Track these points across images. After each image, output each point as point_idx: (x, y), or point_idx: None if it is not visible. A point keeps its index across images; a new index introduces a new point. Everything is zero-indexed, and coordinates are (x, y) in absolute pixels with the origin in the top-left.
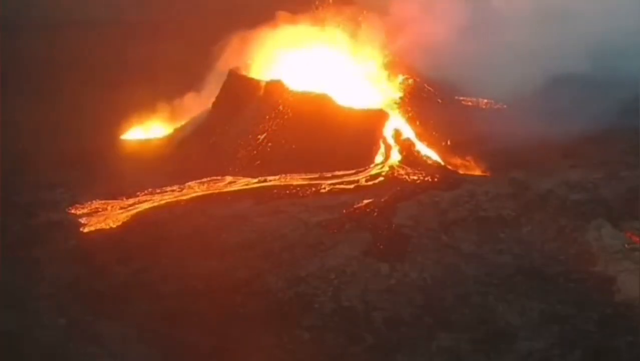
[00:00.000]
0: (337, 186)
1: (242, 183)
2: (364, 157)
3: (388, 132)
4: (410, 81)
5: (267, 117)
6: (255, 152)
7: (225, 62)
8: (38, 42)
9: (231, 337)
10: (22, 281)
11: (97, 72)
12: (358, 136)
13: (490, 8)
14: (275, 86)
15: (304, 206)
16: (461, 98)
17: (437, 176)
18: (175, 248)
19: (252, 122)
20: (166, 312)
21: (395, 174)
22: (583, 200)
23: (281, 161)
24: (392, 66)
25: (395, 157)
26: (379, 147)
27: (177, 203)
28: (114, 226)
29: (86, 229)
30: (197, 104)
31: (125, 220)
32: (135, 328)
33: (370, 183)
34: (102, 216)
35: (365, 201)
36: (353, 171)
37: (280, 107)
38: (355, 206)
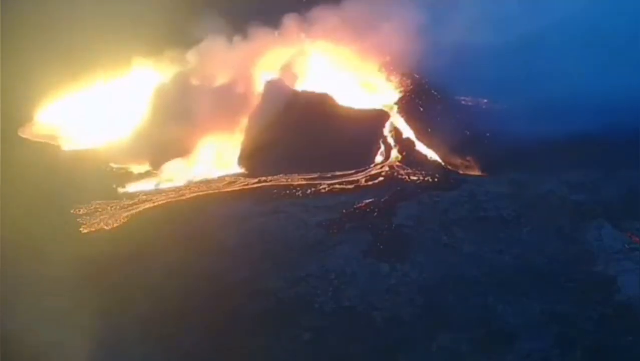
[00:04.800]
0: (337, 186)
1: (242, 183)
2: (364, 157)
3: (388, 132)
4: (410, 81)
5: (267, 116)
6: (255, 151)
7: None
8: None
9: (231, 337)
10: (22, 281)
11: None
12: (358, 136)
13: (489, 8)
14: (275, 85)
15: (304, 206)
16: (461, 98)
17: (437, 176)
18: (175, 248)
19: (252, 121)
20: (166, 312)
21: (395, 174)
22: (583, 200)
23: (281, 161)
24: (392, 66)
25: (395, 157)
26: (379, 147)
27: (177, 203)
28: (114, 226)
29: (86, 229)
30: None
31: (125, 220)
32: (136, 328)
33: (370, 183)
34: (102, 216)
35: (365, 201)
36: (353, 171)
37: (280, 107)
38: (355, 206)
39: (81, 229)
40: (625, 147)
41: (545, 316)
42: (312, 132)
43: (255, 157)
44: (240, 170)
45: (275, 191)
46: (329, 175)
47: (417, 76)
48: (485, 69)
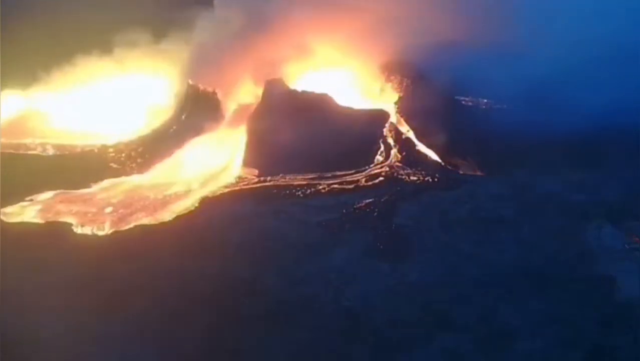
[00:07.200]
0: (337, 186)
1: (242, 183)
2: (364, 157)
3: (388, 132)
4: (410, 81)
5: (267, 116)
6: (255, 151)
7: None
8: None
9: (231, 337)
10: (22, 281)
11: None
12: (358, 136)
13: (488, 7)
14: (275, 85)
15: (304, 206)
16: (461, 98)
17: (437, 176)
18: (175, 248)
19: (252, 122)
20: (166, 312)
21: (395, 174)
22: (583, 200)
23: (281, 161)
24: (392, 66)
25: (395, 157)
26: (379, 147)
27: (177, 203)
28: (114, 226)
29: (84, 230)
30: None
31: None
32: (135, 328)
33: (370, 183)
34: (102, 216)
35: (365, 201)
36: (353, 171)
37: (280, 107)
38: (355, 206)
39: (78, 230)
40: (625, 147)
41: (545, 316)
42: (312, 133)
43: (256, 158)
44: (241, 170)
45: (275, 191)
46: (329, 175)
47: (417, 76)
48: (486, 69)
